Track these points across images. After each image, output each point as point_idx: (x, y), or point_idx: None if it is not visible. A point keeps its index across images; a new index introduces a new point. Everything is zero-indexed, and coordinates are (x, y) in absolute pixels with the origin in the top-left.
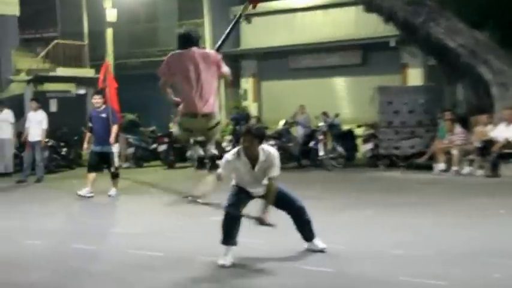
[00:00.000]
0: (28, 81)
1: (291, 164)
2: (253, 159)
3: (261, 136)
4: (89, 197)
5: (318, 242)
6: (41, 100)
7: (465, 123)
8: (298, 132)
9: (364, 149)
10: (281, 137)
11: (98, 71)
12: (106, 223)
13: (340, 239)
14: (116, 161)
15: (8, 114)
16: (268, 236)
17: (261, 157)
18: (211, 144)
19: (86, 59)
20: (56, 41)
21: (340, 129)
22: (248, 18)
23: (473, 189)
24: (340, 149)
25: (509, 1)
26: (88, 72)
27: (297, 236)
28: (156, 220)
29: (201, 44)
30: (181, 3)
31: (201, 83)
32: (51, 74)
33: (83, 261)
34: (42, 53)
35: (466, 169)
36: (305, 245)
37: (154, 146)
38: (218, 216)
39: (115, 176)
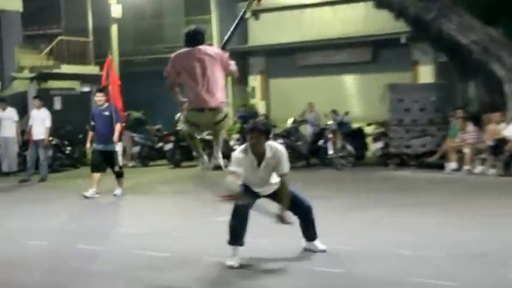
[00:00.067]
0: (31, 79)
1: (299, 163)
2: (259, 156)
3: (267, 131)
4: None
5: (319, 243)
6: (45, 98)
7: (477, 121)
8: (307, 130)
9: (374, 147)
10: (289, 136)
11: (102, 68)
12: (111, 223)
13: (349, 239)
14: (120, 160)
15: (11, 112)
16: (274, 236)
17: (268, 154)
18: (218, 147)
19: (91, 56)
20: (60, 38)
21: (349, 127)
22: (256, 14)
23: (486, 188)
24: (349, 147)
25: None
26: (93, 69)
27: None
28: (162, 220)
29: (208, 41)
30: None
31: (207, 78)
32: (55, 71)
33: (87, 261)
34: (46, 50)
35: (478, 168)
36: (304, 244)
37: (160, 144)
38: (224, 217)
39: (119, 176)
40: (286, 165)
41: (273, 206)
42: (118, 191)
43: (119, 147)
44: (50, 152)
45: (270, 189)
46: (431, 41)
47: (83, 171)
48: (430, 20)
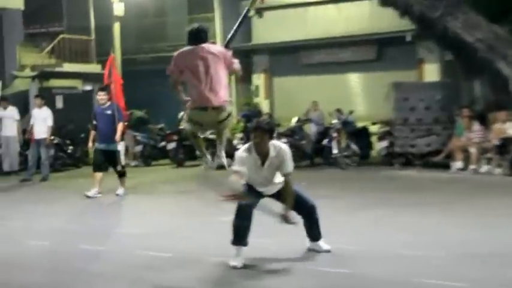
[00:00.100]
0: (33, 77)
1: (303, 163)
2: (263, 155)
3: (271, 131)
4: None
5: (323, 244)
6: (47, 97)
7: (483, 120)
8: (311, 129)
9: (379, 147)
10: (293, 135)
11: (104, 67)
12: (113, 223)
13: (354, 239)
14: (122, 159)
15: (12, 111)
16: (277, 236)
17: (272, 153)
18: (222, 146)
19: (93, 55)
20: (61, 36)
21: (354, 126)
22: (260, 12)
23: (491, 188)
24: (354, 147)
25: None
26: (95, 68)
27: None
28: (165, 220)
29: (211, 39)
30: None
31: (210, 76)
32: (57, 69)
33: (89, 262)
34: (48, 48)
35: (484, 168)
36: (307, 244)
37: (163, 143)
38: (227, 217)
39: (122, 175)
40: (290, 165)
41: (277, 206)
42: (120, 191)
43: (121, 147)
44: (52, 152)
45: (273, 189)
46: (437, 39)
47: (85, 171)
48: (435, 18)
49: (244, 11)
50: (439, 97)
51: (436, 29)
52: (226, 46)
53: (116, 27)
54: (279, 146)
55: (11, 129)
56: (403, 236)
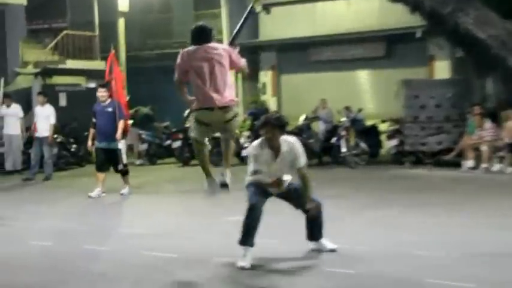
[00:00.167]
0: (36, 74)
1: (311, 161)
2: (275, 149)
3: (282, 125)
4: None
5: (326, 242)
6: (50, 94)
7: (495, 118)
8: (319, 127)
9: (388, 145)
10: (301, 133)
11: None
12: (118, 223)
13: (363, 239)
14: (124, 158)
15: (16, 109)
16: (284, 236)
17: (283, 148)
18: (228, 164)
19: (97, 51)
20: (65, 32)
21: (363, 124)
22: (267, 8)
23: (503, 187)
24: (363, 145)
25: None
26: (99, 64)
27: None
28: (170, 220)
29: (218, 35)
30: None
31: (214, 77)
32: (60, 66)
33: (93, 262)
34: (51, 45)
35: (496, 166)
36: (311, 245)
37: (168, 142)
38: (232, 217)
39: (125, 173)
40: (303, 159)
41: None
42: (125, 190)
43: (122, 145)
44: (55, 150)
45: (280, 187)
46: (448, 35)
47: (89, 170)
48: (446, 13)
49: (248, 8)
50: (450, 94)
51: (447, 25)
52: (231, 43)
53: (121, 23)
54: (291, 141)
55: (14, 128)
56: (411, 236)
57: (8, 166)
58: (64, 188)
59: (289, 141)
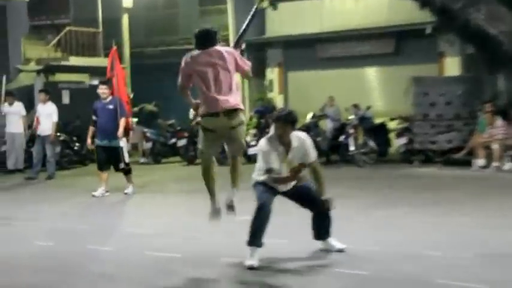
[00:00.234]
0: (38, 71)
1: (319, 160)
2: (286, 145)
3: (293, 121)
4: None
5: (335, 242)
6: (53, 91)
7: (506, 115)
8: (327, 125)
9: (397, 143)
10: (309, 131)
11: None
12: (122, 223)
13: (373, 240)
14: (126, 156)
15: (18, 107)
16: (292, 236)
17: (294, 143)
18: (236, 186)
19: (100, 48)
20: (68, 28)
21: (372, 122)
22: (274, 4)
23: None
24: (372, 143)
25: None
26: (102, 61)
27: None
28: (175, 220)
29: (223, 31)
30: None
31: (219, 82)
32: (63, 63)
33: (96, 263)
34: (54, 41)
35: (508, 165)
36: (319, 244)
37: (173, 140)
38: (238, 217)
39: (127, 172)
40: (313, 153)
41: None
42: (129, 189)
43: (124, 143)
44: (58, 149)
45: (288, 185)
46: (458, 31)
47: (92, 168)
48: (457, 9)
49: (253, 8)
50: (460, 92)
51: (457, 21)
52: (237, 42)
53: (125, 19)
54: (301, 136)
55: (17, 126)
56: (425, 236)
57: (10, 165)
58: (67, 187)
59: (299, 137)
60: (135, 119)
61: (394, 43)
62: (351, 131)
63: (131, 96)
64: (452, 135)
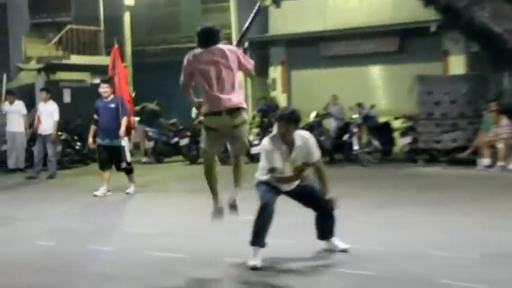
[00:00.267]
0: (39, 70)
1: (323, 159)
2: (289, 143)
3: (296, 120)
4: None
5: (338, 242)
6: (54, 90)
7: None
8: (330, 124)
9: (401, 142)
10: (312, 130)
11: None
12: (123, 223)
13: (377, 239)
14: (128, 156)
15: (19, 106)
16: (296, 236)
17: (297, 142)
18: (238, 185)
19: (102, 46)
20: (69, 26)
21: (376, 121)
22: (277, 2)
23: None
24: (375, 142)
25: None
26: (104, 60)
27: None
28: (177, 220)
29: (226, 29)
30: None
31: (222, 81)
32: (64, 61)
33: (98, 262)
34: (55, 39)
35: None
36: (323, 244)
37: (175, 139)
38: (241, 217)
39: (129, 172)
40: (317, 152)
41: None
42: (131, 189)
43: (125, 142)
44: (59, 148)
45: (292, 184)
46: (463, 29)
47: (94, 168)
48: (461, 7)
49: (256, 7)
50: (465, 90)
51: (462, 19)
52: (240, 41)
53: (126, 17)
54: (305, 135)
55: (17, 125)
56: (430, 236)
57: (11, 164)
58: (68, 187)
59: (303, 136)
60: (137, 118)
61: (398, 41)
62: (355, 130)
63: (133, 95)
64: (457, 134)
